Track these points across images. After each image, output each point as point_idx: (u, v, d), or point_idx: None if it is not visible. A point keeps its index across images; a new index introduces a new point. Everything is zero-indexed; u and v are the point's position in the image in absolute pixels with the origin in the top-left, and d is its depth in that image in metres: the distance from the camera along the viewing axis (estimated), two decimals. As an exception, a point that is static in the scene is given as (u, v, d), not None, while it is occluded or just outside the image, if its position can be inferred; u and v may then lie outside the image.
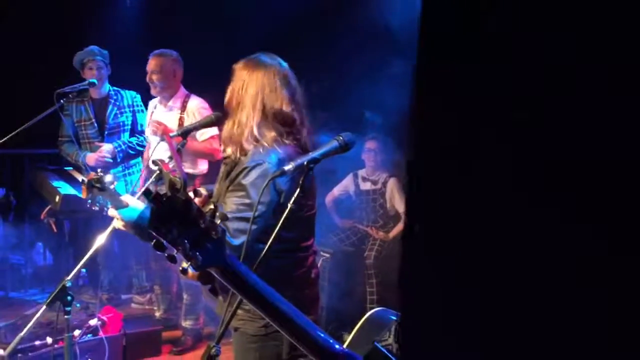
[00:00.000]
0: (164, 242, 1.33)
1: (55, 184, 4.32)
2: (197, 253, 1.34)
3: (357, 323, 2.14)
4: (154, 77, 4.23)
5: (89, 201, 2.08)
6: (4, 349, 3.23)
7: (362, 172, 4.95)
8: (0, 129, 3.83)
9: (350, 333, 2.11)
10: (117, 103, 4.72)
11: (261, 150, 2.02)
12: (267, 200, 1.97)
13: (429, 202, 0.88)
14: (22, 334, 2.40)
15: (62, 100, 4.18)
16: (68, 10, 5.69)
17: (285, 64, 2.18)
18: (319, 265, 3.32)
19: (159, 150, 4.01)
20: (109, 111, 4.68)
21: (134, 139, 4.73)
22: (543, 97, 0.77)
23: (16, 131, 3.72)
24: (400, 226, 4.78)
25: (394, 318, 2.21)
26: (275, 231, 1.73)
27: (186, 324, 4.43)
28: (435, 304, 0.88)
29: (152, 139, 4.40)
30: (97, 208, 2.09)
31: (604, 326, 0.75)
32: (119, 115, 4.72)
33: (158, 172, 2.54)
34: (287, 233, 1.82)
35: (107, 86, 4.73)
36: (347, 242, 4.86)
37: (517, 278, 0.80)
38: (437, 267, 0.87)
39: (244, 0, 5.26)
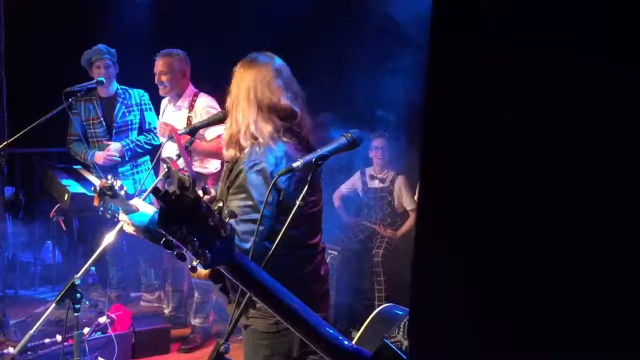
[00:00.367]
0: (174, 240, 1.33)
1: (64, 182, 4.34)
2: (206, 251, 1.35)
3: (365, 320, 2.14)
4: (163, 77, 4.23)
5: (101, 209, 2.10)
6: (14, 346, 3.25)
7: (369, 170, 4.94)
8: (9, 128, 3.86)
9: (358, 330, 2.12)
10: (125, 101, 4.73)
11: (257, 149, 2.02)
12: (270, 200, 1.97)
13: (440, 200, 0.88)
14: (31, 331, 2.41)
15: (70, 99, 4.19)
16: (76, 8, 5.71)
17: (280, 61, 2.17)
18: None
19: (167, 150, 4.01)
20: (117, 110, 4.70)
21: (142, 137, 4.74)
22: (543, 97, 0.77)
23: (25, 130, 3.74)
24: (408, 224, 4.77)
25: (402, 314, 2.21)
26: (284, 229, 1.73)
27: (195, 321, 4.44)
28: (445, 303, 0.88)
29: (163, 139, 4.41)
30: (109, 215, 2.11)
31: (604, 326, 0.74)
32: (127, 114, 4.73)
33: (166, 169, 2.56)
34: (291, 230, 1.82)
35: (115, 85, 4.74)
36: (355, 240, 4.86)
37: (521, 278, 0.80)
38: (447, 266, 0.87)
39: (251, 0, 5.26)
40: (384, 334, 2.02)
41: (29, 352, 3.54)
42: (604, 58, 0.72)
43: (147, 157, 4.85)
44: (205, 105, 4.25)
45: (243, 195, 1.96)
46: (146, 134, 4.76)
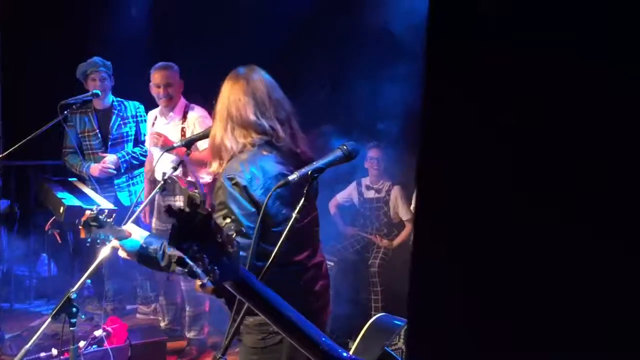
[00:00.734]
0: (185, 258, 1.33)
1: (60, 195, 4.32)
2: (215, 268, 1.35)
3: (361, 330, 2.14)
4: (169, 89, 4.26)
5: (89, 240, 2.10)
6: (10, 361, 3.23)
7: (365, 180, 4.94)
8: (5, 141, 3.85)
9: (355, 340, 2.11)
10: (121, 114, 4.74)
11: (235, 164, 2.02)
12: (249, 212, 1.96)
13: (438, 202, 0.88)
14: (27, 346, 2.39)
15: (65, 112, 4.19)
16: (71, 21, 5.71)
17: (259, 76, 2.16)
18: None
19: (162, 162, 4.01)
20: (112, 122, 4.70)
21: (137, 149, 4.75)
22: (543, 97, 0.77)
23: (20, 143, 3.73)
24: (404, 234, 4.78)
25: (399, 322, 2.21)
26: (278, 245, 1.73)
27: (191, 334, 4.42)
28: (444, 306, 0.88)
29: (153, 150, 4.41)
30: (98, 245, 2.11)
31: (604, 326, 0.75)
32: (123, 126, 4.73)
33: (162, 182, 2.56)
34: (271, 247, 1.80)
35: (110, 97, 4.75)
36: (351, 250, 4.86)
37: (521, 279, 0.80)
38: (446, 269, 0.87)
39: (247, 11, 5.27)
40: (381, 343, 2.02)
41: (25, 366, 3.51)
42: (604, 58, 0.73)
43: (143, 169, 4.84)
44: (199, 117, 4.27)
45: (224, 212, 1.96)
46: (142, 146, 4.76)
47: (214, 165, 2.12)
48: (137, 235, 2.08)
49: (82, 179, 4.62)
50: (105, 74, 4.65)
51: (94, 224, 2.05)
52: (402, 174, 4.77)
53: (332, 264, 4.55)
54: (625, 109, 0.72)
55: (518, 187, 0.80)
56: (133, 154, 4.70)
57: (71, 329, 2.35)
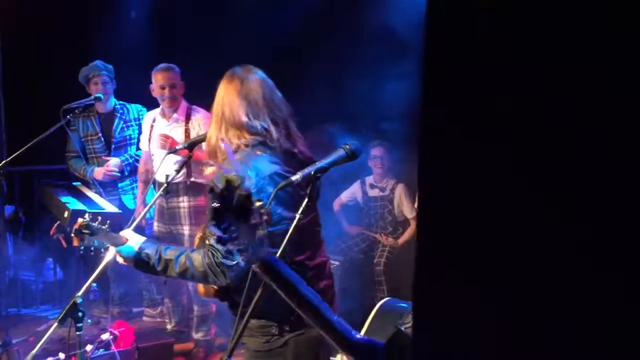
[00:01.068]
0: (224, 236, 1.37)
1: (64, 199, 4.32)
2: (250, 247, 1.41)
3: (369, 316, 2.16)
4: (174, 90, 4.27)
5: (82, 248, 2.09)
6: (17, 366, 3.23)
7: (369, 179, 4.94)
8: (9, 147, 3.85)
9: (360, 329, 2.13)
10: (124, 117, 4.74)
11: (228, 164, 2.03)
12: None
13: (439, 201, 0.88)
14: (34, 351, 2.40)
15: (68, 116, 4.19)
16: (73, 25, 5.73)
17: (255, 76, 2.14)
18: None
19: (166, 164, 4.01)
20: (115, 125, 4.71)
21: (140, 152, 4.75)
22: (543, 97, 0.77)
23: (24, 148, 3.74)
24: (409, 232, 4.77)
25: (406, 306, 2.23)
26: (282, 246, 1.74)
27: (198, 335, 4.42)
28: (446, 302, 0.88)
29: (157, 152, 4.41)
30: (92, 253, 2.10)
31: (605, 325, 0.74)
32: (126, 129, 4.74)
33: (165, 185, 2.57)
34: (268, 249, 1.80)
35: (112, 100, 4.75)
36: (356, 249, 4.85)
37: (521, 278, 0.80)
38: (448, 265, 0.87)
39: (248, 13, 5.27)
40: (390, 324, 2.03)
41: (32, 371, 3.52)
42: (605, 58, 0.73)
43: (147, 172, 4.84)
44: (203, 118, 4.27)
45: None
46: (145, 149, 4.76)
47: (211, 167, 2.13)
48: (134, 241, 2.08)
49: (86, 183, 4.63)
50: (107, 78, 4.65)
51: (86, 232, 2.05)
52: (406, 172, 4.76)
53: (337, 263, 4.55)
54: (625, 109, 0.72)
55: (517, 187, 0.80)
56: (136, 157, 4.70)
57: (78, 333, 2.35)
